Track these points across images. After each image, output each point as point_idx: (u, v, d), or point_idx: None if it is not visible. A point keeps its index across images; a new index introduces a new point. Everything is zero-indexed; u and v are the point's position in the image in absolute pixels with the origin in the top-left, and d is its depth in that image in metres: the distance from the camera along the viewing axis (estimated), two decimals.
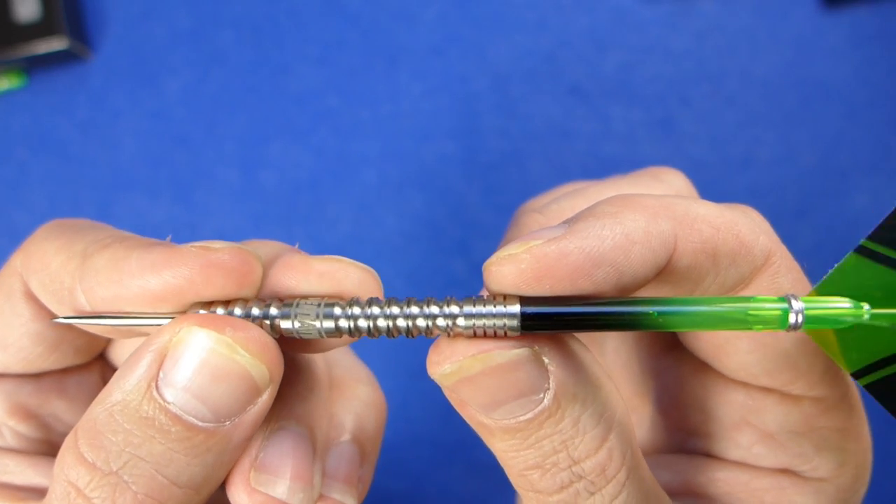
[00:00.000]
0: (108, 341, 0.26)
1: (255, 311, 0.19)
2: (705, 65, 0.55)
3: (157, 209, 0.57)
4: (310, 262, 0.20)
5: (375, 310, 0.19)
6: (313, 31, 0.58)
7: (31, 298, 0.23)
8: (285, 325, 0.19)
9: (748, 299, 0.18)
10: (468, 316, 0.18)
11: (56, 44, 0.56)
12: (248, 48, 0.58)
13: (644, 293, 0.20)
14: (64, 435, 0.25)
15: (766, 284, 0.20)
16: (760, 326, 0.18)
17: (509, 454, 0.19)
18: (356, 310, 0.19)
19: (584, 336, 0.20)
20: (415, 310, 0.19)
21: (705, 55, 0.55)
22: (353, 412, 0.25)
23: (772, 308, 0.18)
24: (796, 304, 0.18)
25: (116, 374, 0.19)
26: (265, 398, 0.19)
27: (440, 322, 0.19)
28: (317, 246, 0.55)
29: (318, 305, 0.19)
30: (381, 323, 0.19)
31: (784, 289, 0.20)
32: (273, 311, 0.19)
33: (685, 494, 0.24)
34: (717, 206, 0.20)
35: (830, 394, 0.22)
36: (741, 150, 0.54)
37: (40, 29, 0.56)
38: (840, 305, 0.18)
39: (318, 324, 0.19)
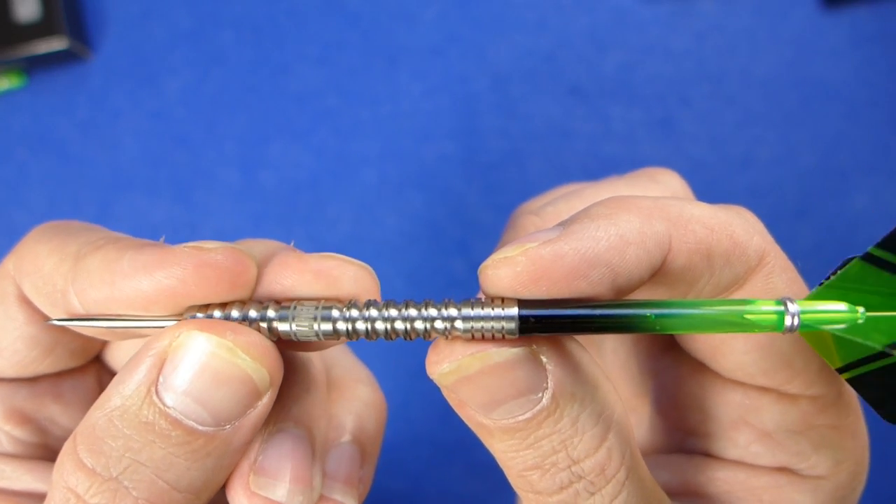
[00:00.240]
0: (104, 344, 0.26)
1: (253, 314, 0.19)
2: (705, 65, 0.55)
3: (157, 209, 0.57)
4: (305, 261, 0.20)
5: (373, 312, 0.19)
6: (313, 31, 0.58)
7: (25, 302, 0.23)
8: (283, 327, 0.19)
9: (745, 302, 0.18)
10: (466, 319, 0.18)
11: (56, 44, 0.56)
12: (248, 48, 0.58)
13: (639, 294, 0.21)
14: (61, 439, 0.25)
15: (761, 285, 0.20)
16: (757, 329, 0.18)
17: (508, 455, 0.19)
18: (354, 312, 0.19)
19: (581, 337, 0.20)
20: (413, 312, 0.19)
21: (705, 55, 0.55)
22: (353, 412, 0.25)
23: (768, 311, 0.18)
24: (792, 308, 0.18)
25: (115, 378, 0.19)
26: (265, 401, 0.19)
27: (438, 325, 0.19)
28: (317, 246, 0.55)
29: (316, 308, 0.19)
30: (379, 326, 0.19)
31: (778, 288, 0.21)
32: (270, 313, 0.19)
33: (684, 494, 0.24)
34: (710, 207, 0.20)
35: (827, 392, 0.22)
36: (741, 150, 0.54)
37: (40, 29, 0.56)
38: (835, 309, 0.18)
39: (315, 326, 0.19)
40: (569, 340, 0.19)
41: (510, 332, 0.18)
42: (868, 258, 0.18)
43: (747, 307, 0.18)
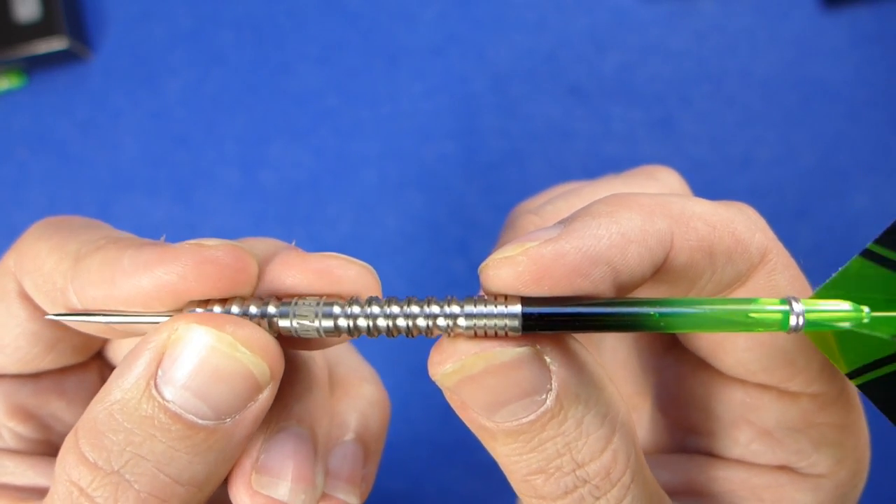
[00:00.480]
0: (106, 340, 0.26)
1: (253, 310, 0.19)
2: (705, 65, 0.55)
3: (157, 209, 0.57)
4: (307, 260, 0.20)
5: (375, 309, 0.19)
6: (313, 31, 0.58)
7: (26, 298, 0.23)
8: (283, 323, 0.19)
9: (749, 301, 0.18)
10: (469, 316, 0.18)
11: (56, 44, 0.56)
12: (248, 48, 0.58)
13: (641, 292, 0.20)
14: (64, 435, 0.25)
15: (763, 282, 0.20)
16: (761, 328, 0.18)
17: (512, 458, 0.19)
18: (355, 309, 0.19)
19: (581, 335, 0.20)
20: (415, 309, 0.19)
21: (705, 55, 0.55)
22: (357, 411, 0.25)
23: (773, 311, 0.18)
24: (797, 307, 0.18)
25: (115, 372, 0.19)
26: (266, 395, 0.19)
27: (441, 322, 0.18)
28: (317, 246, 0.55)
29: (317, 304, 0.19)
30: (381, 322, 0.19)
31: (781, 286, 0.20)
32: (271, 309, 0.19)
33: (685, 493, 0.24)
34: (712, 203, 0.20)
35: (828, 390, 0.22)
36: (741, 150, 0.54)
37: (40, 29, 0.56)
38: (840, 308, 0.18)
39: (316, 323, 0.19)
40: (572, 340, 0.19)
41: (513, 329, 0.18)
42: (868, 255, 0.18)
43: (752, 306, 0.18)
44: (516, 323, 0.18)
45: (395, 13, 0.58)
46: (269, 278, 0.20)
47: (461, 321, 0.18)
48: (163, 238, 0.21)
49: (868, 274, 0.18)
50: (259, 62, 0.58)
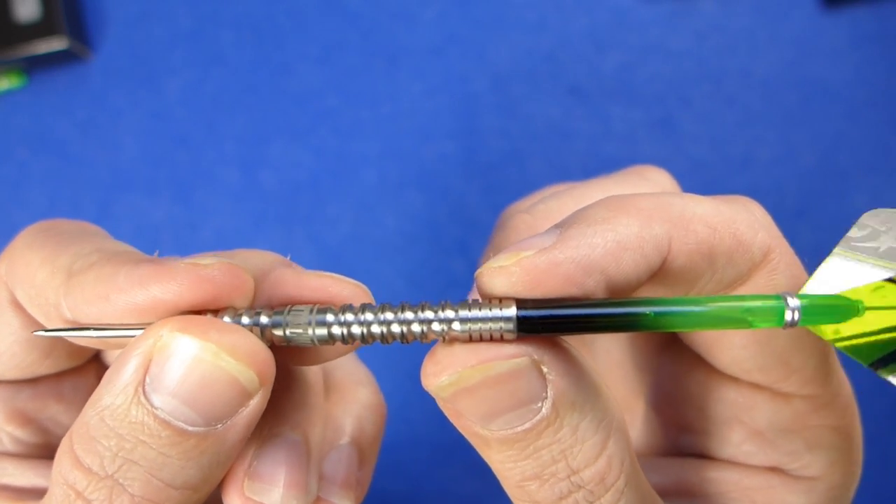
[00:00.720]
0: None
1: (246, 320, 0.19)
2: (705, 65, 0.55)
3: (157, 209, 0.57)
4: (302, 278, 0.20)
5: (369, 316, 0.19)
6: (313, 31, 0.58)
7: (19, 307, 0.23)
8: (277, 332, 0.19)
9: (744, 298, 0.18)
10: (464, 320, 0.18)
11: (56, 44, 0.56)
12: (248, 48, 0.58)
13: (638, 293, 0.20)
14: (62, 437, 0.25)
15: (764, 282, 0.20)
16: (757, 325, 0.18)
17: (507, 465, 0.19)
18: (349, 316, 0.19)
19: (575, 336, 0.20)
20: (409, 315, 0.18)
21: (705, 55, 0.55)
22: (352, 415, 0.25)
23: (768, 306, 0.18)
24: (792, 302, 0.18)
25: (105, 377, 0.19)
26: (257, 400, 0.19)
27: (436, 327, 0.18)
28: (317, 246, 0.55)
29: (311, 312, 0.19)
30: (375, 329, 0.19)
31: (781, 286, 0.20)
32: (263, 319, 0.19)
33: (678, 495, 0.24)
34: (714, 202, 0.20)
35: (822, 392, 0.22)
36: (741, 150, 0.54)
37: (40, 29, 0.56)
38: (835, 302, 0.18)
39: (310, 331, 0.19)
40: (567, 344, 0.19)
41: (509, 331, 0.18)
42: (837, 256, 0.18)
43: (746, 303, 0.18)
44: (511, 326, 0.18)
45: (395, 13, 0.58)
46: (264, 297, 0.20)
47: (456, 325, 0.18)
48: (156, 253, 0.21)
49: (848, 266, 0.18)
50: (259, 62, 0.58)
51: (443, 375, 0.18)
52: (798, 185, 0.53)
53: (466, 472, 0.51)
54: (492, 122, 0.56)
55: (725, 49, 0.55)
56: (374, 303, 0.20)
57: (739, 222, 0.20)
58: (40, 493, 0.23)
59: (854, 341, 0.18)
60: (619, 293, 0.19)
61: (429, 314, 0.18)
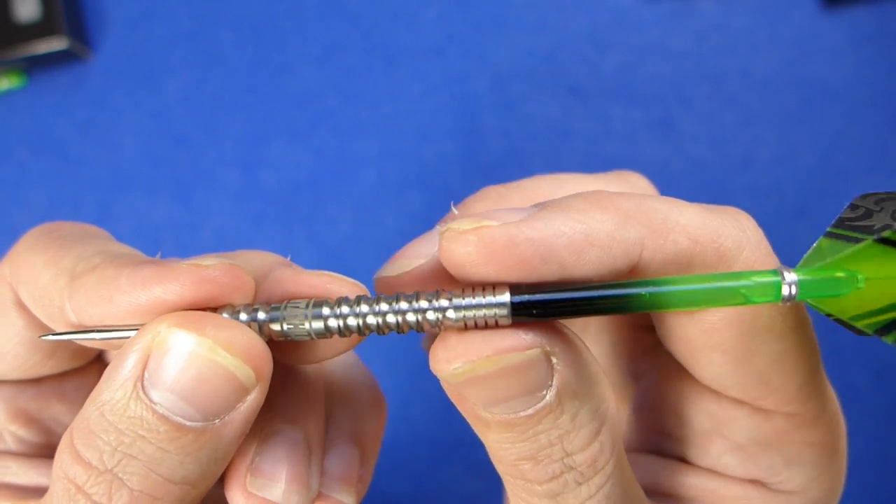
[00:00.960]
0: None
1: (243, 316, 0.19)
2: (705, 65, 0.55)
3: (157, 209, 0.57)
4: (301, 277, 0.20)
5: (364, 307, 0.19)
6: (313, 31, 0.58)
7: (23, 308, 0.23)
8: (274, 327, 0.19)
9: (740, 275, 0.18)
10: (458, 308, 0.18)
11: (56, 44, 0.56)
12: (248, 48, 0.58)
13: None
14: None
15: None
16: (755, 301, 0.18)
17: (504, 446, 0.19)
18: (345, 308, 0.19)
19: (568, 319, 0.20)
20: (404, 305, 0.19)
21: (705, 55, 0.55)
22: (353, 412, 0.25)
23: (764, 282, 0.18)
24: (788, 276, 0.18)
25: (105, 373, 0.19)
26: (255, 395, 0.19)
27: (430, 315, 0.18)
28: (317, 246, 0.55)
29: (307, 306, 0.19)
30: (371, 320, 0.19)
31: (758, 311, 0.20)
32: (261, 314, 0.19)
33: (655, 494, 0.24)
34: (702, 212, 0.19)
35: (805, 410, 0.21)
36: (741, 150, 0.54)
37: (40, 29, 0.56)
38: (834, 275, 0.18)
39: (306, 324, 0.19)
40: (569, 331, 0.19)
41: (503, 317, 0.18)
42: (830, 235, 0.18)
43: (743, 281, 0.18)
44: (505, 312, 0.18)
45: (395, 13, 0.58)
46: (264, 296, 0.20)
47: (450, 314, 0.18)
48: (158, 255, 0.21)
49: (835, 248, 0.18)
50: (259, 62, 0.58)
51: (456, 362, 0.18)
52: (798, 185, 0.53)
53: (467, 471, 0.51)
54: (492, 121, 0.56)
55: (725, 49, 0.55)
56: None
57: (725, 237, 0.19)
58: (43, 491, 0.23)
59: (859, 322, 0.18)
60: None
61: (423, 303, 0.18)
